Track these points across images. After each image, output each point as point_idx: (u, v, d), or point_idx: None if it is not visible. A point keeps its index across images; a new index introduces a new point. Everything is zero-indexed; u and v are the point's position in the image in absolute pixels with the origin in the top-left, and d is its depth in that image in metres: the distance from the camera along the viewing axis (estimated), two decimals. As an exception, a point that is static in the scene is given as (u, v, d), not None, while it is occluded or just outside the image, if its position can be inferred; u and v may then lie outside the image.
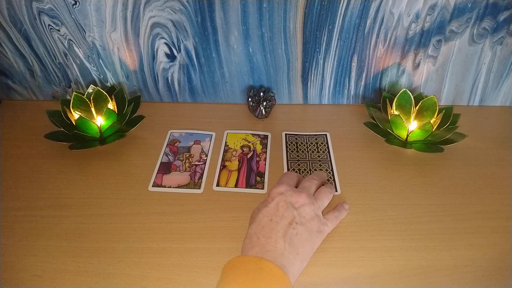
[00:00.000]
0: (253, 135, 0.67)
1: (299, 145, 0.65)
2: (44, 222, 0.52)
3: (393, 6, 0.61)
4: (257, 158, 0.62)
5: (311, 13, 0.62)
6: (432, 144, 0.62)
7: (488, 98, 0.74)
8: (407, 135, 0.62)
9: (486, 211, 0.53)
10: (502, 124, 0.70)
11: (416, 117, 0.64)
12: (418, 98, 0.64)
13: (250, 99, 0.70)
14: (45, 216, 0.52)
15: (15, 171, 0.59)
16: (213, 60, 0.69)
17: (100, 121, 0.64)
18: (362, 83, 0.72)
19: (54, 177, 0.59)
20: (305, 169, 0.60)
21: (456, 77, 0.71)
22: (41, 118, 0.66)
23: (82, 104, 0.64)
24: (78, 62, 0.70)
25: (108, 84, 0.73)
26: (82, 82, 0.73)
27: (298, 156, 0.63)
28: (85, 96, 0.65)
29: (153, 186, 0.57)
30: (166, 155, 0.63)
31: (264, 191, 0.56)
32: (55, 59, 0.69)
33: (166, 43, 0.66)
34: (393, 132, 0.64)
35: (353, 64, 0.69)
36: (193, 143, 0.66)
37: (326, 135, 0.67)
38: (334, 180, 0.58)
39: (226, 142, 0.66)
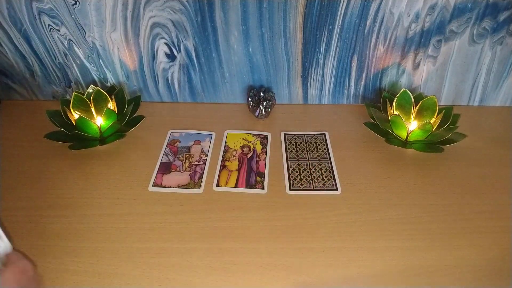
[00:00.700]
0: (253, 135, 0.67)
1: (298, 145, 0.65)
2: (44, 222, 0.52)
3: (393, 6, 0.61)
4: (257, 158, 0.62)
5: (311, 13, 0.62)
6: (432, 144, 0.62)
7: (488, 98, 0.74)
8: (407, 135, 0.62)
9: (486, 211, 0.53)
10: (502, 124, 0.70)
11: (416, 117, 0.64)
12: (418, 98, 0.64)
13: (250, 99, 0.70)
14: (45, 216, 0.52)
15: (15, 171, 0.59)
16: (213, 60, 0.69)
17: (100, 121, 0.64)
18: (362, 83, 0.72)
19: (54, 177, 0.59)
20: (305, 169, 0.60)
21: (456, 77, 0.71)
22: (41, 118, 0.66)
23: (82, 104, 0.64)
24: (78, 62, 0.70)
25: (108, 84, 0.73)
26: (82, 82, 0.73)
27: (297, 156, 0.63)
28: (85, 96, 0.65)
29: (153, 186, 0.57)
30: (166, 155, 0.63)
31: (264, 191, 0.56)
32: (55, 59, 0.69)
33: (166, 43, 0.66)
34: (393, 132, 0.64)
35: (353, 64, 0.69)
36: (193, 143, 0.66)
37: (324, 134, 0.67)
38: (334, 180, 0.58)
39: (226, 142, 0.66)
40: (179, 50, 0.67)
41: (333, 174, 0.59)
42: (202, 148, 0.65)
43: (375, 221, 0.52)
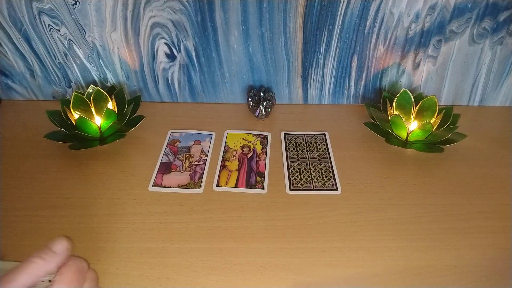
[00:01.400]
0: (253, 135, 0.67)
1: (298, 144, 0.65)
2: (44, 222, 0.52)
3: (393, 6, 0.61)
4: (257, 158, 0.62)
5: (311, 13, 0.62)
6: (432, 144, 0.62)
7: (488, 98, 0.74)
8: (407, 135, 0.62)
9: (486, 211, 0.53)
10: (502, 124, 0.70)
11: (416, 117, 0.64)
12: (418, 98, 0.64)
13: (250, 99, 0.70)
14: (45, 216, 0.52)
15: (15, 171, 0.59)
16: (213, 60, 0.69)
17: (100, 121, 0.64)
18: (362, 83, 0.72)
19: (54, 177, 0.59)
20: (305, 169, 0.60)
21: (456, 77, 0.71)
22: (41, 118, 0.66)
23: (82, 104, 0.64)
24: (78, 62, 0.70)
25: (108, 84, 0.73)
26: (82, 82, 0.73)
27: (297, 156, 0.63)
28: (85, 96, 0.65)
29: (153, 186, 0.57)
30: (166, 155, 0.63)
31: (264, 191, 0.56)
32: (55, 59, 0.69)
33: (166, 43, 0.66)
34: (393, 132, 0.64)
35: (353, 64, 0.69)
36: (193, 143, 0.66)
37: (324, 134, 0.67)
38: (334, 180, 0.58)
39: (226, 142, 0.66)
40: (179, 50, 0.67)
41: (333, 174, 0.59)
42: (202, 148, 0.65)
43: (375, 221, 0.52)
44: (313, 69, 0.70)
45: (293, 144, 0.65)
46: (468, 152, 0.63)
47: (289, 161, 0.62)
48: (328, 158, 0.62)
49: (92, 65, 0.70)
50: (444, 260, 0.47)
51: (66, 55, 0.68)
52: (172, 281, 0.45)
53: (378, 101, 0.72)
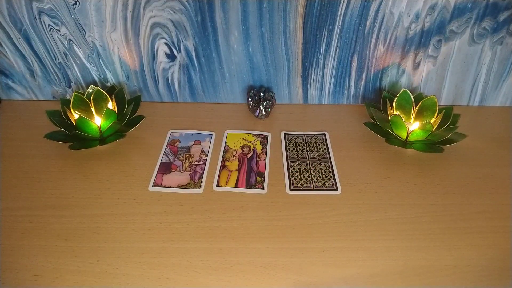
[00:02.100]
0: (253, 135, 0.67)
1: (298, 144, 0.65)
2: (44, 222, 0.52)
3: (393, 6, 0.61)
4: (257, 158, 0.62)
5: (311, 13, 0.62)
6: (432, 144, 0.62)
7: (488, 98, 0.74)
8: (407, 135, 0.62)
9: (486, 211, 0.53)
10: (502, 124, 0.70)
11: (416, 117, 0.64)
12: (418, 98, 0.64)
13: (250, 99, 0.70)
14: (45, 216, 0.52)
15: (15, 171, 0.59)
16: (213, 60, 0.69)
17: (100, 121, 0.64)
18: (362, 83, 0.72)
19: (54, 177, 0.59)
20: (305, 169, 0.60)
21: (456, 77, 0.71)
22: (41, 118, 0.66)
23: (82, 104, 0.64)
24: (78, 62, 0.70)
25: (108, 84, 0.73)
26: (82, 82, 0.73)
27: (297, 155, 0.63)
28: (85, 96, 0.65)
29: (153, 186, 0.57)
30: (166, 155, 0.63)
31: (264, 191, 0.56)
32: (55, 59, 0.69)
33: (166, 43, 0.66)
34: (393, 132, 0.64)
35: (353, 64, 0.69)
36: (193, 143, 0.66)
37: (324, 134, 0.67)
38: (334, 179, 0.58)
39: (226, 142, 0.66)
40: (179, 50, 0.67)
41: (333, 174, 0.59)
42: (202, 148, 0.65)
43: (375, 221, 0.52)
44: (313, 69, 0.70)
45: (293, 144, 0.65)
46: (468, 152, 0.63)
47: (289, 161, 0.62)
48: (328, 158, 0.62)
49: (92, 65, 0.70)
50: (444, 260, 0.47)
51: (66, 55, 0.68)
52: (172, 281, 0.45)
53: (378, 101, 0.72)
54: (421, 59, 0.68)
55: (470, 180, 0.58)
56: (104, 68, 0.71)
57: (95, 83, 0.73)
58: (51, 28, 0.64)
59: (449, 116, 0.63)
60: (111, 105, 0.65)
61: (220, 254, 0.48)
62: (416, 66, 0.69)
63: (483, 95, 0.73)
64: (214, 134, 0.68)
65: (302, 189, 0.57)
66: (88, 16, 0.63)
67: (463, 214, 0.53)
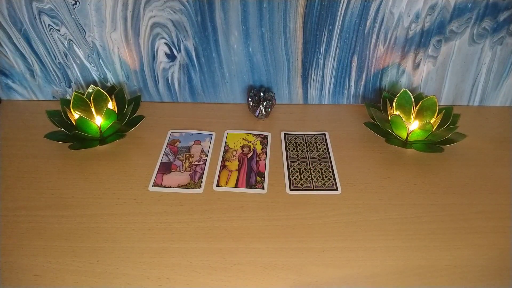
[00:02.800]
0: (253, 135, 0.67)
1: (298, 144, 0.65)
2: (44, 222, 0.52)
3: (393, 6, 0.61)
4: (257, 158, 0.62)
5: (311, 13, 0.62)
6: (432, 144, 0.62)
7: (488, 98, 0.74)
8: (407, 135, 0.62)
9: (486, 211, 0.53)
10: (502, 124, 0.70)
11: (416, 117, 0.64)
12: (418, 98, 0.64)
13: (250, 99, 0.70)
14: (45, 216, 0.52)
15: (15, 171, 0.59)
16: (213, 60, 0.69)
17: (100, 121, 0.64)
18: (362, 83, 0.72)
19: (54, 177, 0.59)
20: (305, 169, 0.60)
21: (456, 77, 0.71)
22: (41, 118, 0.66)
23: (82, 104, 0.64)
24: (78, 62, 0.70)
25: (108, 84, 0.73)
26: (82, 82, 0.73)
27: (297, 155, 0.63)
28: (85, 96, 0.65)
29: (153, 186, 0.57)
30: (166, 155, 0.63)
31: (264, 191, 0.56)
32: (55, 59, 0.69)
33: (166, 43, 0.66)
34: (393, 132, 0.64)
35: (353, 64, 0.69)
36: (193, 143, 0.66)
37: (324, 134, 0.67)
38: (334, 179, 0.58)
39: (226, 142, 0.66)
40: (179, 50, 0.67)
41: (333, 174, 0.59)
42: (202, 148, 0.65)
43: (375, 221, 0.52)
44: (313, 69, 0.70)
45: (293, 144, 0.65)
46: (468, 152, 0.63)
47: (289, 161, 0.62)
48: (328, 158, 0.62)
49: (92, 65, 0.70)
50: (444, 260, 0.47)
51: (66, 55, 0.68)
52: (172, 281, 0.45)
53: (378, 101, 0.72)
54: (421, 59, 0.68)
55: (470, 180, 0.58)
56: (104, 68, 0.71)
57: (95, 83, 0.73)
58: (51, 28, 0.64)
59: (449, 116, 0.63)
60: (111, 105, 0.65)
61: (220, 254, 0.48)
62: (416, 66, 0.69)
63: (483, 95, 0.73)
64: (214, 134, 0.68)
65: (302, 189, 0.57)
66: (88, 16, 0.63)
67: (463, 214, 0.53)
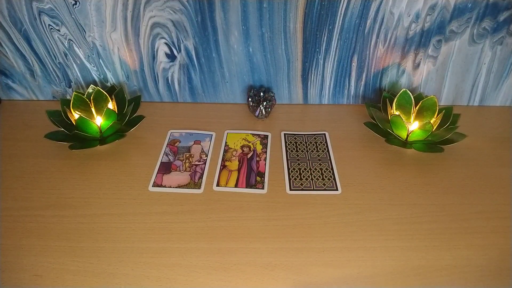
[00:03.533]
0: (253, 135, 0.67)
1: (298, 144, 0.65)
2: (44, 222, 0.52)
3: (393, 6, 0.61)
4: (257, 158, 0.62)
5: (311, 13, 0.62)
6: (432, 144, 0.62)
7: (488, 98, 0.74)
8: (407, 135, 0.62)
9: (486, 211, 0.53)
10: (502, 124, 0.70)
11: (416, 117, 0.64)
12: (418, 98, 0.64)
13: (250, 99, 0.70)
14: (45, 216, 0.52)
15: (15, 171, 0.59)
16: (213, 60, 0.69)
17: (100, 121, 0.64)
18: (362, 83, 0.72)
19: (54, 177, 0.59)
20: (305, 169, 0.60)
21: (456, 77, 0.71)
22: (41, 118, 0.66)
23: (82, 104, 0.64)
24: (78, 62, 0.70)
25: (108, 84, 0.73)
26: (82, 82, 0.73)
27: (297, 155, 0.63)
28: (85, 96, 0.65)
29: (153, 186, 0.57)
30: (166, 155, 0.63)
31: (264, 191, 0.56)
32: (55, 59, 0.69)
33: (166, 43, 0.66)
34: (393, 132, 0.64)
35: (353, 64, 0.69)
36: (193, 143, 0.66)
37: (324, 134, 0.67)
38: (334, 179, 0.58)
39: (226, 142, 0.66)
40: (179, 50, 0.67)
41: (333, 174, 0.59)
42: (202, 148, 0.65)
43: (375, 221, 0.52)
44: (313, 69, 0.70)
45: (293, 144, 0.65)
46: (468, 152, 0.63)
47: (289, 161, 0.62)
48: (328, 158, 0.62)
49: (92, 65, 0.70)
50: (443, 260, 0.47)
51: (66, 55, 0.68)
52: (172, 281, 0.45)
53: (378, 101, 0.72)
54: (421, 59, 0.68)
55: (470, 180, 0.58)
56: (104, 68, 0.71)
57: (95, 83, 0.73)
58: (51, 28, 0.64)
59: (449, 116, 0.63)
60: (111, 105, 0.65)
61: (220, 254, 0.48)
62: (416, 66, 0.69)
63: (483, 95, 0.73)
64: (214, 134, 0.68)
65: (302, 189, 0.57)
66: (88, 16, 0.63)
67: (463, 214, 0.53)
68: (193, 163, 0.62)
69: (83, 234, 0.50)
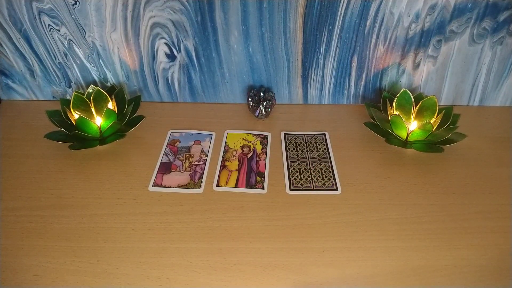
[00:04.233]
0: (253, 135, 0.67)
1: (298, 144, 0.65)
2: (44, 222, 0.52)
3: (393, 6, 0.61)
4: (257, 158, 0.62)
5: (311, 13, 0.62)
6: (432, 144, 0.62)
7: (488, 98, 0.74)
8: (407, 135, 0.62)
9: (486, 211, 0.53)
10: (502, 124, 0.70)
11: (416, 117, 0.64)
12: (418, 98, 0.64)
13: (250, 99, 0.70)
14: (45, 216, 0.52)
15: (15, 171, 0.59)
16: (213, 60, 0.69)
17: (100, 121, 0.64)
18: (362, 83, 0.72)
19: (54, 177, 0.59)
20: (305, 169, 0.60)
21: (456, 77, 0.71)
22: (41, 118, 0.66)
23: (82, 104, 0.64)
24: (78, 62, 0.70)
25: (108, 84, 0.73)
26: (82, 82, 0.73)
27: (297, 155, 0.63)
28: (85, 96, 0.65)
29: (153, 186, 0.57)
30: (166, 155, 0.63)
31: (264, 191, 0.56)
32: (55, 59, 0.69)
33: (166, 43, 0.66)
34: (393, 132, 0.64)
35: (353, 64, 0.69)
36: (193, 143, 0.66)
37: (324, 134, 0.67)
38: (334, 179, 0.58)
39: (226, 142, 0.66)
40: (179, 50, 0.67)
41: (333, 174, 0.59)
42: (202, 148, 0.65)
43: (375, 221, 0.52)
44: (313, 69, 0.70)
45: (293, 144, 0.65)
46: (468, 152, 0.63)
47: (289, 161, 0.62)
48: (328, 158, 0.62)
49: (92, 65, 0.70)
50: (443, 260, 0.47)
51: (66, 55, 0.68)
52: (172, 281, 0.45)
53: (378, 101, 0.72)
54: (421, 59, 0.68)
55: (470, 180, 0.58)
56: (104, 68, 0.71)
57: (95, 83, 0.73)
58: (51, 28, 0.64)
59: (449, 116, 0.63)
60: (111, 105, 0.65)
61: (220, 254, 0.48)
62: (416, 66, 0.69)
63: (483, 95, 0.73)
64: (214, 134, 0.68)
65: (302, 189, 0.57)
66: (88, 16, 0.63)
67: (463, 214, 0.53)
68: (193, 163, 0.62)
69: (83, 234, 0.50)
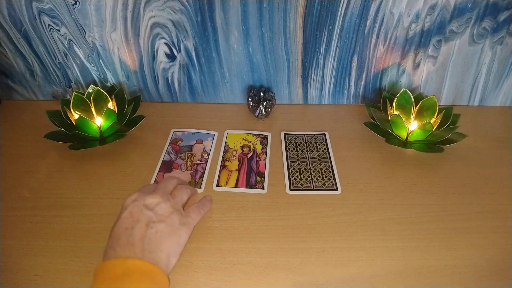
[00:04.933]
0: (253, 135, 0.67)
1: (298, 144, 0.65)
2: (44, 222, 0.52)
3: (393, 6, 0.61)
4: (257, 158, 0.62)
5: (311, 13, 0.62)
6: (432, 144, 0.62)
7: (488, 98, 0.74)
8: (407, 135, 0.62)
9: (486, 211, 0.53)
10: (502, 124, 0.70)
11: (416, 117, 0.64)
12: (418, 98, 0.64)
13: (250, 99, 0.70)
14: (45, 216, 0.52)
15: (15, 171, 0.59)
16: (213, 60, 0.69)
17: (100, 121, 0.64)
18: (362, 83, 0.72)
19: (54, 177, 0.59)
20: (305, 169, 0.60)
21: (456, 77, 0.71)
22: (41, 118, 0.66)
23: (82, 104, 0.64)
24: (78, 62, 0.70)
25: (108, 84, 0.73)
26: (82, 82, 0.73)
27: (297, 155, 0.63)
28: (85, 96, 0.65)
29: (153, 186, 0.57)
30: (168, 154, 0.63)
31: (264, 191, 0.56)
32: (55, 59, 0.69)
33: (166, 43, 0.66)
34: (393, 132, 0.64)
35: (353, 64, 0.69)
36: (195, 142, 0.66)
37: (324, 134, 0.67)
38: (334, 179, 0.58)
39: (226, 142, 0.66)
40: (179, 50, 0.67)
41: (333, 174, 0.59)
42: (204, 148, 0.65)
43: (375, 221, 0.52)
44: (313, 69, 0.70)
45: (293, 144, 0.65)
46: (468, 152, 0.63)
47: (289, 161, 0.62)
48: (328, 158, 0.62)
49: (92, 65, 0.70)
50: (444, 260, 0.47)
51: (66, 55, 0.68)
52: (172, 281, 0.45)
53: (378, 101, 0.72)
54: (421, 59, 0.68)
55: (470, 180, 0.58)
56: (104, 68, 0.71)
57: (95, 83, 0.73)
58: (51, 28, 0.64)
59: (449, 116, 0.63)
60: (111, 105, 0.65)
61: (220, 254, 0.48)
62: (416, 66, 0.69)
63: (483, 95, 0.73)
64: (216, 133, 0.68)
65: (302, 189, 0.57)
66: (88, 16, 0.63)
67: (463, 214, 0.53)
68: (194, 162, 0.62)
69: (83, 234, 0.50)
